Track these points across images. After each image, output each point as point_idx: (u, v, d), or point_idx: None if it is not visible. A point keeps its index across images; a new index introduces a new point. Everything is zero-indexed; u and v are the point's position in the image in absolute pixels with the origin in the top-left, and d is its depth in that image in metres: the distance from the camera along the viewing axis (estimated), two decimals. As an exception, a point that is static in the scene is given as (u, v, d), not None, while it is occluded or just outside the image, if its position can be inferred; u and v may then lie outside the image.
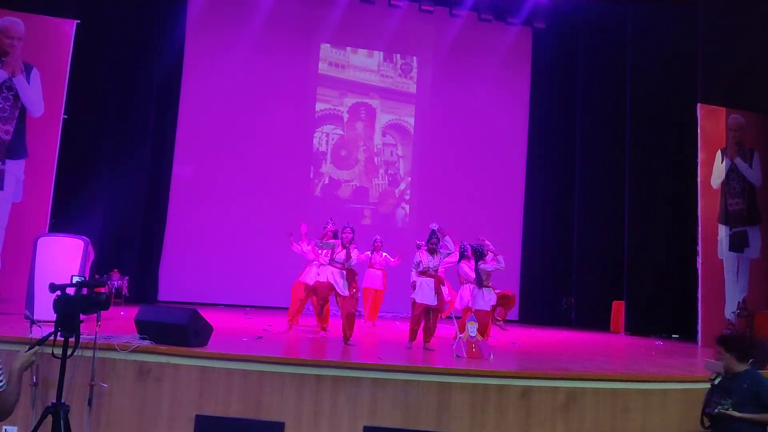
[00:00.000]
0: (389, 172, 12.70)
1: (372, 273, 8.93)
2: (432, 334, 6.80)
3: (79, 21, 8.00)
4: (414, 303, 6.70)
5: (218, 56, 11.72)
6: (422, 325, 6.72)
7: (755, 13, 9.30)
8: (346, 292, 6.90)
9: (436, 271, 6.80)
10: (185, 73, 11.56)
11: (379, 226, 11.63)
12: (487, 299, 7.04)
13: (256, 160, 11.78)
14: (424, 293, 6.64)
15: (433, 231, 6.80)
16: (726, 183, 9.50)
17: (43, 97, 7.79)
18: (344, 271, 7.01)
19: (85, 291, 3.24)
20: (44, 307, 5.31)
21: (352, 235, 7.09)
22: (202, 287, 11.03)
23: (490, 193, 12.69)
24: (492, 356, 6.00)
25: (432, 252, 6.77)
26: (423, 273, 6.74)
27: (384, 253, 8.85)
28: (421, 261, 6.76)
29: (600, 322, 11.18)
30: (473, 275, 7.23)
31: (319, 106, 12.40)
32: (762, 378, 3.61)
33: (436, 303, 6.68)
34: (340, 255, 7.01)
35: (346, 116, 12.56)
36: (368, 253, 8.74)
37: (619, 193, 11.03)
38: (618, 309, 10.90)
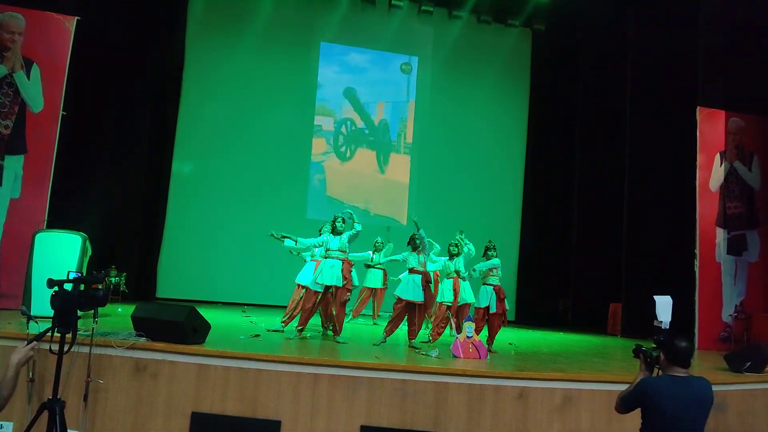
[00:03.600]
0: (388, 170, 12.69)
1: (373, 273, 9.01)
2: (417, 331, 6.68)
3: (79, 17, 8.00)
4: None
5: (219, 53, 11.73)
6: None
7: (756, 14, 9.29)
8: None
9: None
10: (185, 71, 11.57)
11: (378, 225, 11.63)
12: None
13: (255, 157, 11.79)
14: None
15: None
16: (725, 186, 9.50)
17: (42, 92, 7.79)
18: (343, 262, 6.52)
19: (82, 287, 3.24)
20: (42, 303, 5.31)
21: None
22: (199, 284, 11.04)
23: (488, 194, 12.71)
24: (489, 357, 6.00)
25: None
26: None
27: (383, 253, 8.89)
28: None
29: (597, 324, 11.19)
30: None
31: (319, 106, 12.41)
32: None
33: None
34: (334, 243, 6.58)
35: (345, 115, 12.56)
36: (370, 252, 8.82)
37: (617, 195, 11.04)
38: (615, 311, 10.92)
